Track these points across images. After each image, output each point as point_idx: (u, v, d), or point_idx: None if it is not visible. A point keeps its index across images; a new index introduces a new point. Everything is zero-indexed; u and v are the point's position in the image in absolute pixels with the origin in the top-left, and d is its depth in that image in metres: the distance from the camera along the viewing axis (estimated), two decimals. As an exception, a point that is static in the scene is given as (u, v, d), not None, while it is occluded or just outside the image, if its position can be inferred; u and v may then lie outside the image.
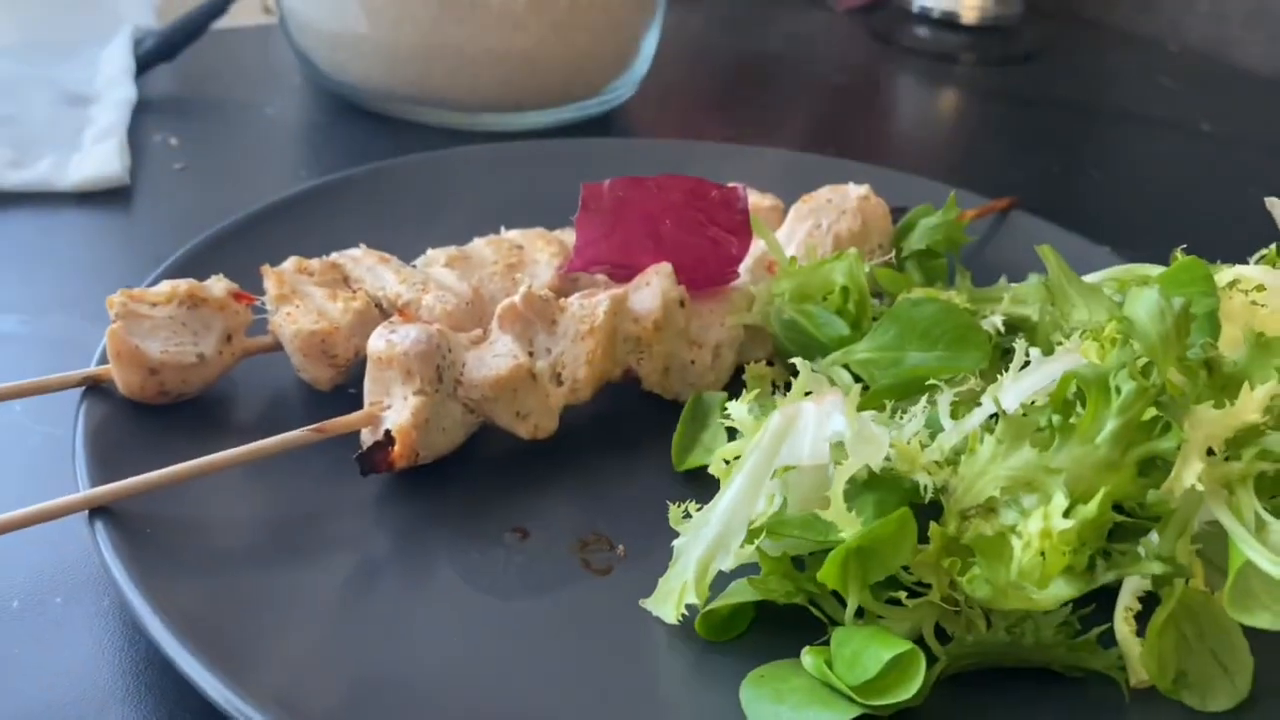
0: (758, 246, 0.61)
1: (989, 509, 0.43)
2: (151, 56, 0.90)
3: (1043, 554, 0.40)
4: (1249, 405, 0.42)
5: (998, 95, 1.10)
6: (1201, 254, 0.58)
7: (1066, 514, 0.40)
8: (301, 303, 0.54)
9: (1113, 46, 1.26)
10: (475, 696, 0.43)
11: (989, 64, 1.15)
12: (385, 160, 0.74)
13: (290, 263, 0.57)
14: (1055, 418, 0.42)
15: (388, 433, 0.49)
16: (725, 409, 0.48)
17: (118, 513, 0.46)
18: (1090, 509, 0.40)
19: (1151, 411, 0.43)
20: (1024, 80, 1.13)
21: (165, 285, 0.54)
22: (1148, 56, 1.22)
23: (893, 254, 0.63)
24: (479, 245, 0.61)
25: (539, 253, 0.60)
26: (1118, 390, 0.42)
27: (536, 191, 0.71)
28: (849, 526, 0.41)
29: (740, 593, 0.45)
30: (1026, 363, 0.45)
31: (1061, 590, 0.40)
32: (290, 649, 0.44)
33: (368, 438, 0.51)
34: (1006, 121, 1.06)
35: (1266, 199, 0.55)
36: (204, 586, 0.45)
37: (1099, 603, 0.46)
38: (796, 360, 0.47)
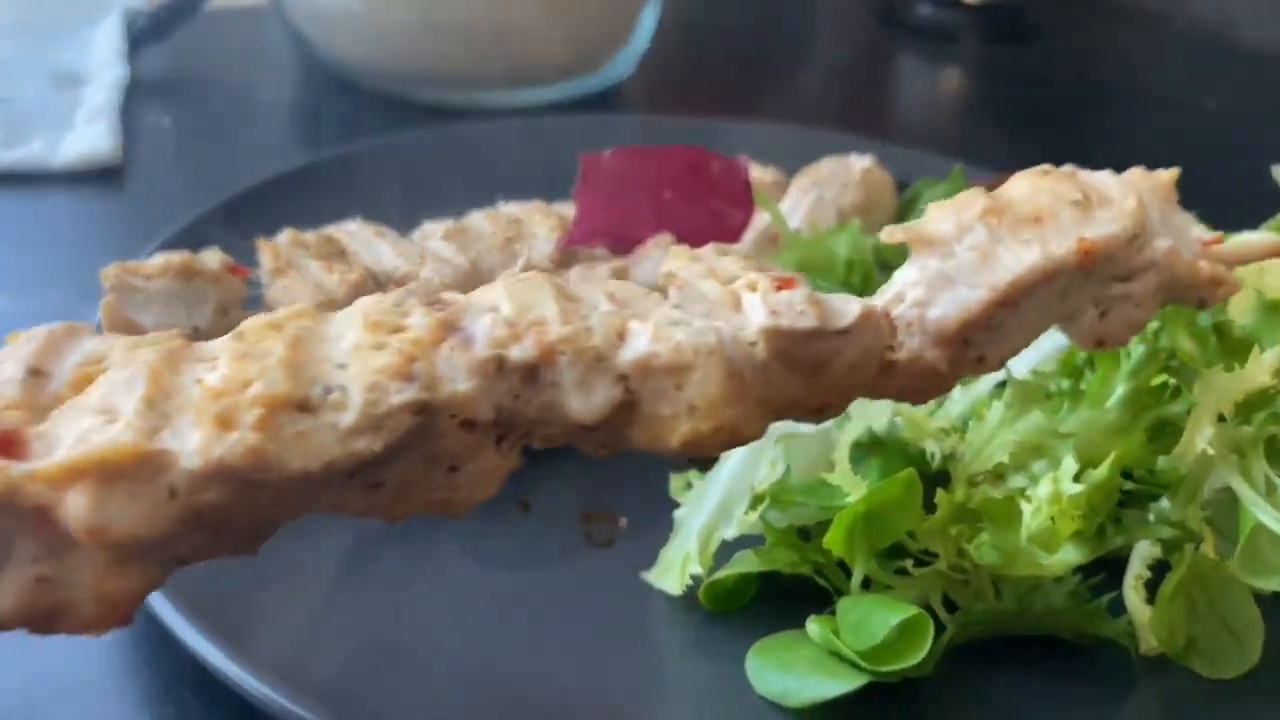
0: (761, 219, 0.60)
1: (997, 475, 0.42)
2: (144, 36, 0.89)
3: (1052, 519, 0.40)
4: (1259, 369, 0.41)
5: (1001, 73, 1.09)
6: (1216, 223, 0.57)
7: (1076, 479, 0.40)
8: (297, 275, 0.53)
9: (1116, 24, 1.25)
10: (476, 668, 0.43)
11: (992, 42, 1.15)
12: (380, 137, 0.73)
13: (286, 235, 0.56)
14: (1065, 383, 0.42)
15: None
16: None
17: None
18: (1100, 473, 0.40)
19: (1162, 377, 0.43)
20: (1027, 58, 1.12)
21: (159, 258, 0.53)
22: (1152, 34, 1.22)
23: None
24: (476, 218, 0.60)
25: (537, 226, 0.60)
26: (1128, 355, 0.42)
27: (534, 169, 0.70)
28: (854, 489, 0.41)
29: (745, 563, 0.45)
30: (1034, 328, 0.45)
31: (1070, 556, 0.40)
32: (291, 619, 0.43)
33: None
34: (1009, 99, 1.05)
35: (1272, 167, 0.54)
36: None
37: (1108, 571, 0.45)
38: None
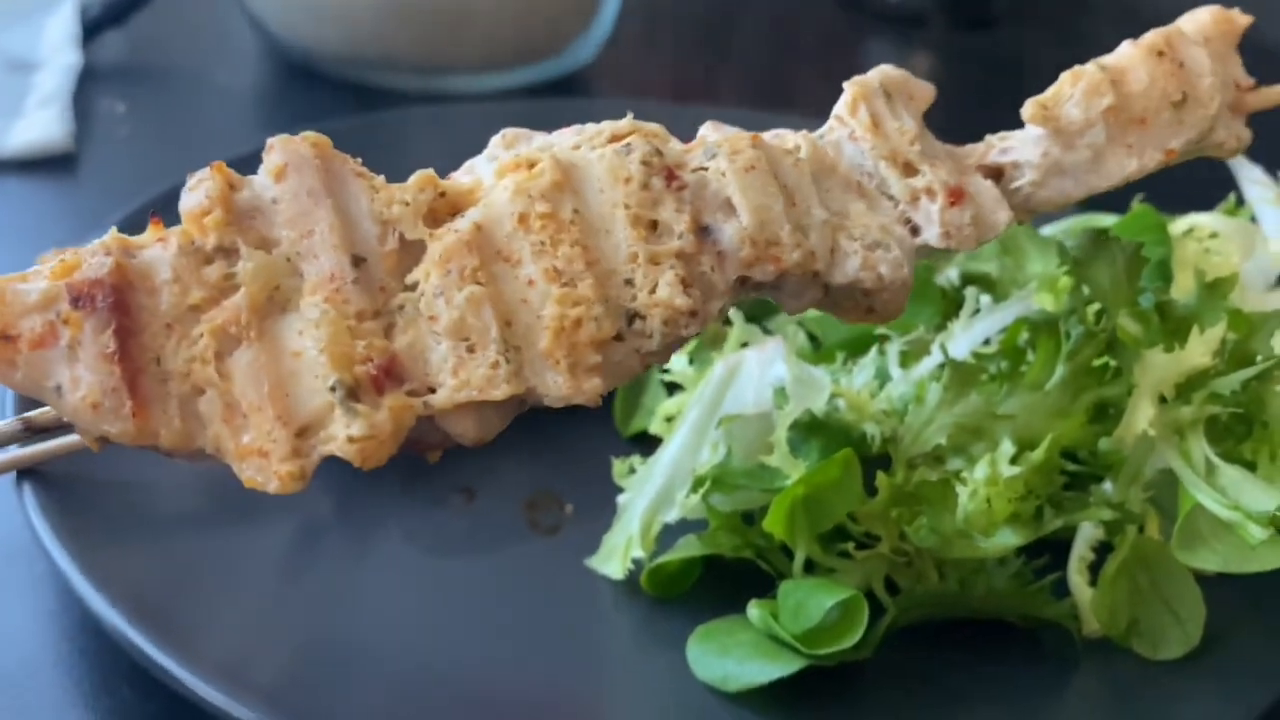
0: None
1: (936, 457, 0.42)
2: (99, 22, 0.88)
3: (989, 501, 0.39)
4: (1198, 349, 0.41)
5: (968, 58, 1.09)
6: (1170, 206, 0.57)
7: (1014, 461, 0.39)
8: (240, 262, 0.53)
9: (1082, 8, 1.25)
10: (421, 659, 0.43)
11: (960, 27, 1.14)
12: (337, 122, 0.73)
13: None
14: (1004, 364, 0.42)
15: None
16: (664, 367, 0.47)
17: (47, 475, 0.45)
18: (1038, 455, 0.40)
19: (1102, 358, 0.42)
20: (995, 43, 1.12)
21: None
22: (1117, 18, 1.21)
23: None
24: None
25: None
26: (1068, 336, 0.41)
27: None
28: (793, 471, 0.41)
29: (688, 547, 0.45)
30: (977, 311, 0.45)
31: (1008, 539, 0.40)
32: (231, 614, 0.43)
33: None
34: (977, 84, 1.04)
35: (1223, 146, 0.54)
36: (140, 551, 0.44)
37: (1052, 553, 0.45)
38: (730, 312, 0.46)
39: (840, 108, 0.40)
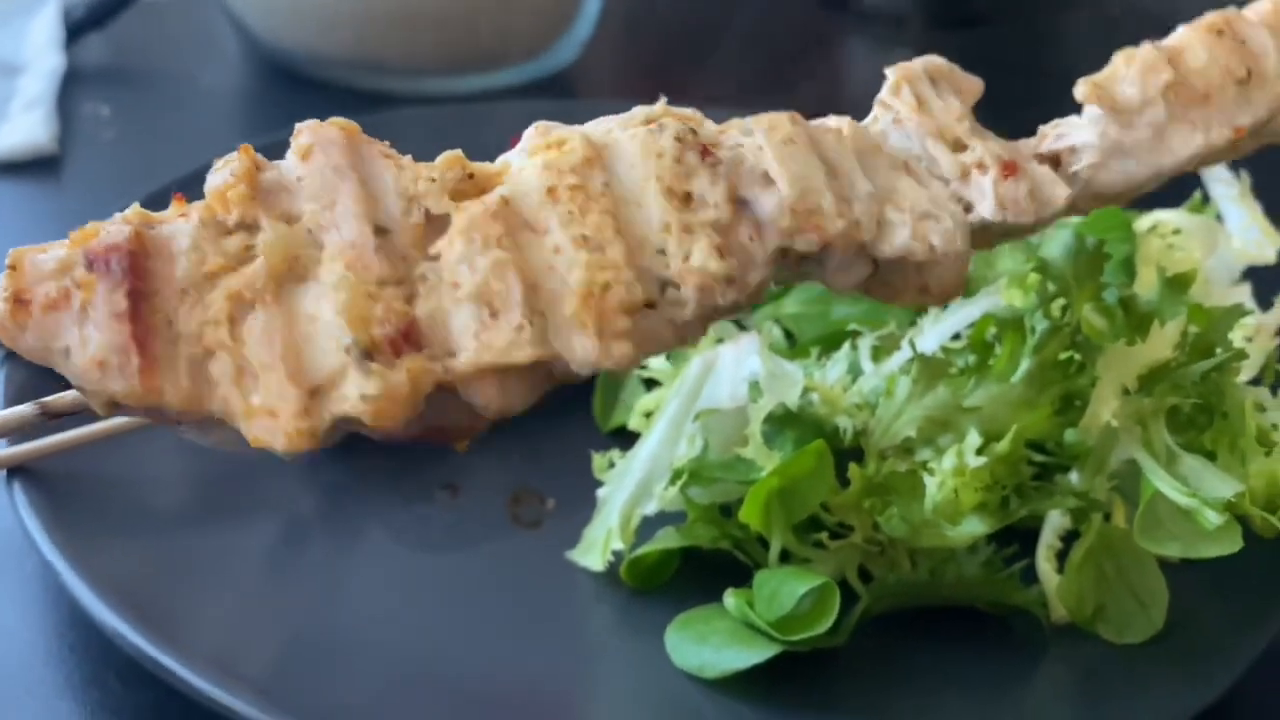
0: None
1: (906, 449, 0.43)
2: (82, 25, 0.88)
3: (956, 491, 0.41)
4: (1160, 342, 0.43)
5: (949, 58, 1.10)
6: (1143, 201, 0.58)
7: (980, 452, 0.41)
8: (225, 263, 0.53)
9: (1063, 9, 1.27)
10: (407, 650, 0.43)
11: (938, 26, 1.15)
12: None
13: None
14: (972, 359, 0.43)
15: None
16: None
17: (37, 472, 0.45)
18: (1003, 446, 0.41)
19: (1067, 352, 0.44)
20: (975, 43, 1.13)
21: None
22: (1097, 19, 1.23)
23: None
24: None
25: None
26: (1033, 330, 0.43)
27: (475, 156, 0.70)
28: (767, 462, 0.42)
29: (666, 539, 0.46)
30: (947, 306, 0.46)
31: (975, 527, 0.41)
32: (220, 607, 0.44)
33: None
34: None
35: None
36: (130, 546, 0.45)
37: (1021, 542, 0.46)
38: None
39: (884, 93, 0.39)
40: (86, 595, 0.41)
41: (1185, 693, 0.43)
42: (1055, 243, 0.43)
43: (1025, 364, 0.42)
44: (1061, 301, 0.43)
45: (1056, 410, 0.44)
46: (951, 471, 0.40)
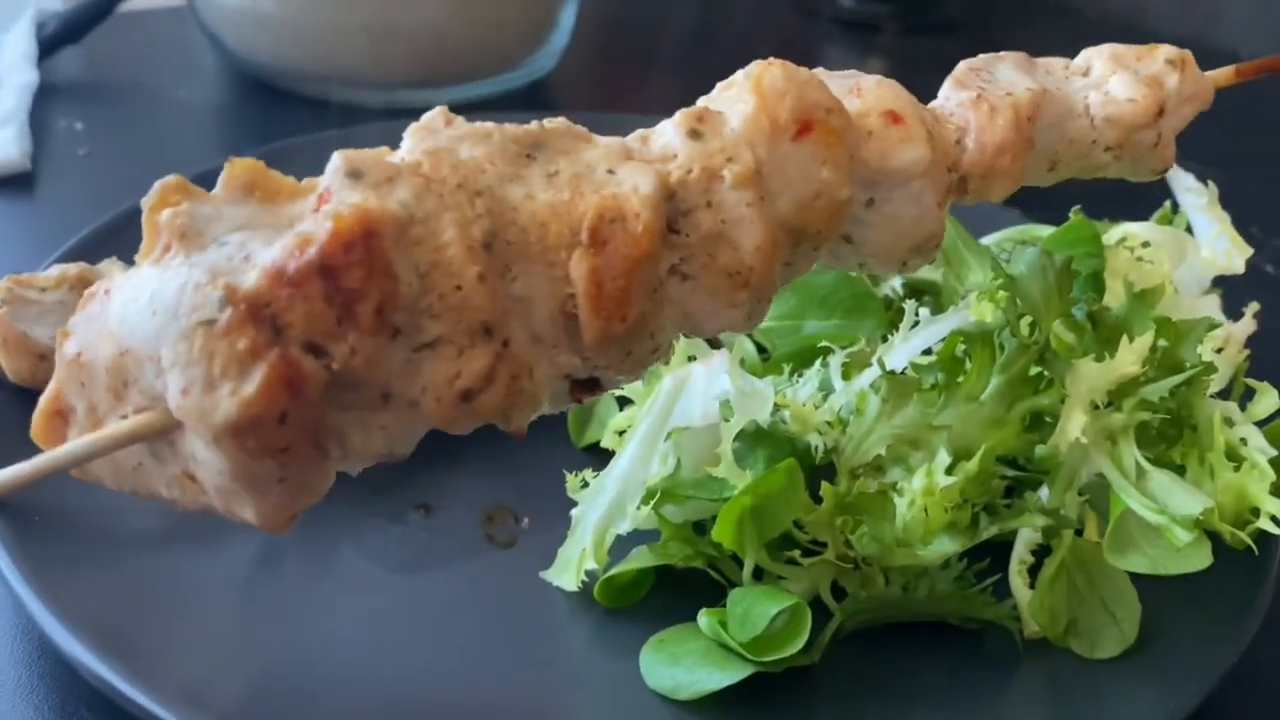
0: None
1: (877, 467, 0.43)
2: (55, 39, 0.88)
3: (926, 510, 0.41)
4: (1127, 357, 0.43)
5: (923, 65, 1.10)
6: (1116, 213, 0.58)
7: (950, 470, 0.41)
8: (196, 284, 0.53)
9: (1035, 14, 1.27)
10: (380, 675, 0.43)
11: (914, 32, 1.16)
12: (289, 139, 0.73)
13: (186, 244, 0.56)
14: (941, 375, 0.43)
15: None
16: (616, 378, 0.48)
17: (4, 503, 0.45)
18: (972, 465, 0.41)
19: (1036, 367, 0.44)
20: (950, 49, 1.13)
21: (55, 269, 0.53)
22: (1069, 24, 1.24)
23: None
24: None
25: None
26: (1002, 347, 0.43)
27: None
28: (739, 480, 0.42)
29: (640, 558, 0.46)
30: (916, 323, 0.46)
31: (946, 546, 0.41)
32: (191, 636, 0.43)
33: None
34: (932, 91, 1.06)
35: (1156, 157, 0.55)
36: (99, 577, 0.44)
37: (993, 556, 0.46)
38: None
39: None
40: (55, 628, 0.41)
41: (1158, 706, 0.43)
42: (1023, 259, 0.43)
43: (994, 381, 0.42)
44: (1029, 319, 0.44)
45: (1026, 427, 0.44)
46: (921, 491, 0.40)
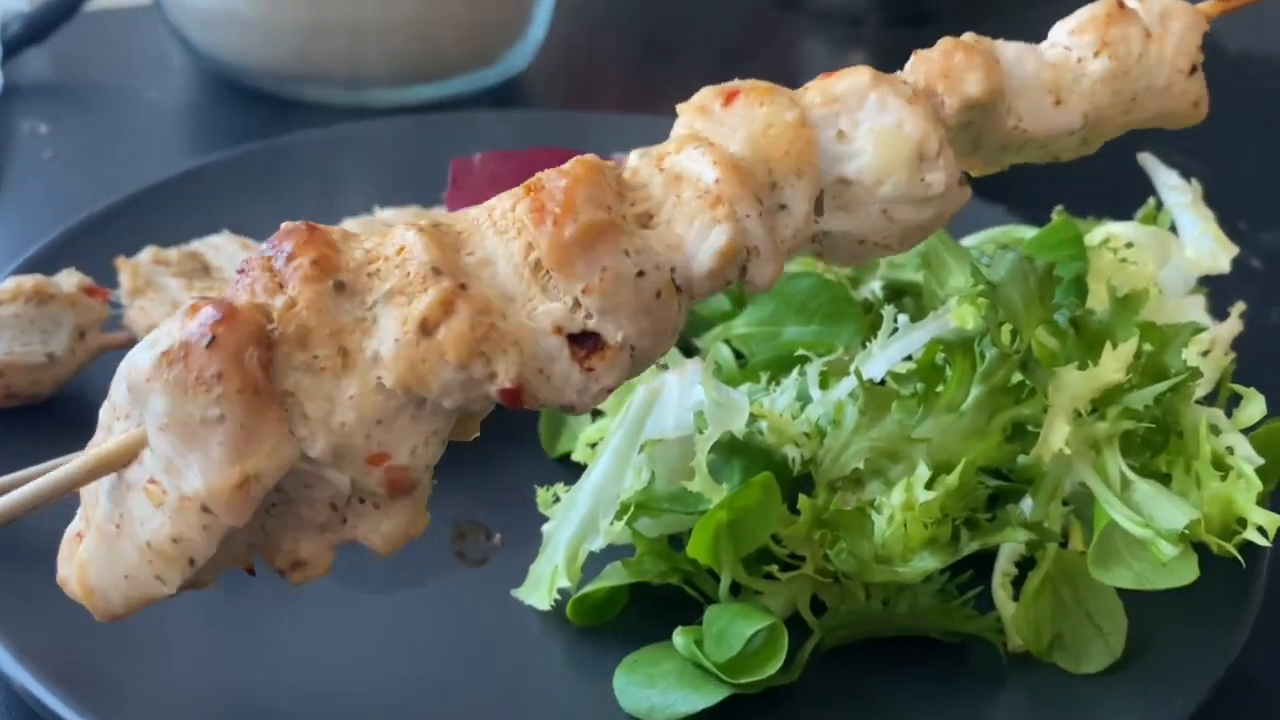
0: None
1: (855, 480, 0.42)
2: (19, 40, 0.86)
3: (905, 525, 0.40)
4: (1111, 365, 0.42)
5: (903, 58, 1.09)
6: (1100, 210, 0.57)
7: (930, 485, 0.40)
8: (156, 295, 0.52)
9: (1017, 5, 1.26)
10: (349, 698, 0.42)
11: (894, 25, 1.15)
12: (260, 142, 0.71)
13: (146, 253, 0.54)
14: (920, 385, 0.42)
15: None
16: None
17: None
18: (953, 479, 0.40)
19: (1017, 376, 0.43)
20: (931, 41, 1.12)
21: (10, 282, 0.51)
22: (1051, 15, 1.23)
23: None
24: (348, 226, 0.58)
25: (413, 233, 0.58)
26: (982, 356, 0.41)
27: (427, 168, 0.68)
28: (715, 494, 0.41)
29: (614, 575, 0.44)
30: (895, 330, 0.45)
31: (927, 563, 0.40)
32: (153, 661, 0.42)
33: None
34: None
35: (1140, 155, 0.54)
36: (55, 604, 0.43)
37: (977, 568, 0.45)
38: None
39: None
40: (12, 666, 0.39)
41: (1150, 717, 0.42)
42: (1003, 265, 0.42)
43: (975, 391, 0.41)
44: (1009, 327, 0.42)
45: (1008, 436, 0.43)
46: (901, 506, 0.39)
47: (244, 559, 0.37)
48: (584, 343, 0.34)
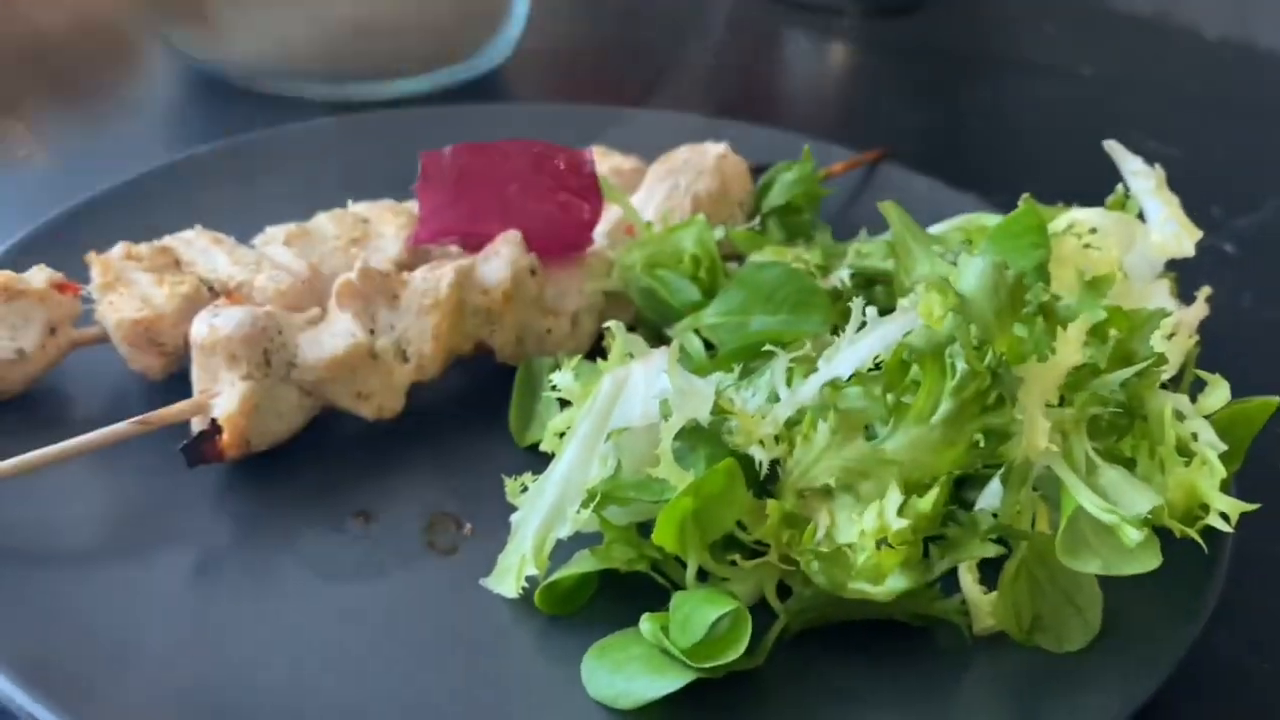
0: (617, 211, 0.60)
1: (825, 492, 0.42)
2: None
3: (878, 545, 0.40)
4: (1069, 347, 0.42)
5: (884, 47, 1.09)
6: (1073, 197, 0.57)
7: (901, 511, 0.40)
8: (126, 290, 0.52)
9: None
10: (321, 687, 0.42)
11: (875, 15, 1.15)
12: (233, 137, 0.71)
13: (118, 248, 0.54)
14: (890, 397, 0.42)
15: (214, 421, 0.47)
16: (551, 380, 0.47)
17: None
18: (925, 504, 0.40)
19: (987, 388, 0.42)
20: (910, 31, 1.12)
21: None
22: (1031, 3, 1.23)
23: (757, 214, 0.63)
24: (321, 220, 0.58)
25: (386, 225, 0.58)
26: (952, 372, 0.41)
27: (403, 163, 0.68)
28: (680, 481, 0.41)
29: (582, 563, 0.45)
30: (863, 324, 0.44)
31: (898, 583, 0.40)
32: (123, 653, 0.42)
33: (198, 427, 0.49)
34: (894, 73, 1.05)
35: (1105, 142, 0.54)
36: (23, 598, 0.43)
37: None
38: (610, 323, 0.47)
39: None
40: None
41: (1113, 695, 0.42)
42: (972, 272, 0.42)
43: (945, 405, 0.41)
44: (979, 337, 0.42)
45: (977, 442, 0.42)
46: (874, 531, 0.40)
47: None
48: None
